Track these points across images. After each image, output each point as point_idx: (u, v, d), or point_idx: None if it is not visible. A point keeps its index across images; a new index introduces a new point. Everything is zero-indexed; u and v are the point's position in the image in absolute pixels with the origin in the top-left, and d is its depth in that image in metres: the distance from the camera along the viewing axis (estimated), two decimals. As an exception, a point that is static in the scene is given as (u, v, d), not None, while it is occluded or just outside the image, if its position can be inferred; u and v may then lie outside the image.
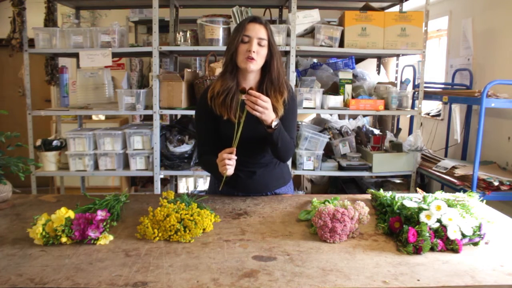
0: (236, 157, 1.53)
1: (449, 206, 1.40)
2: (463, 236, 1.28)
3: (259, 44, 1.58)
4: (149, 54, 3.04)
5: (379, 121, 4.33)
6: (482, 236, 1.30)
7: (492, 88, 2.57)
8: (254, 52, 1.56)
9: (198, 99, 1.74)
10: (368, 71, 3.70)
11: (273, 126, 1.54)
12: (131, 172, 3.12)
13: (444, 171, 2.92)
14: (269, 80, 1.64)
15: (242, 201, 1.71)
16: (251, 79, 1.67)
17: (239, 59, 1.60)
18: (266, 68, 1.65)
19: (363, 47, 2.99)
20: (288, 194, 1.84)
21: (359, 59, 4.18)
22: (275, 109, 1.59)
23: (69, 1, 3.41)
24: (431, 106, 4.10)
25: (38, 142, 3.09)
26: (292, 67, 2.95)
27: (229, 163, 1.50)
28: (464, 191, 1.63)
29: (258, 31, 1.58)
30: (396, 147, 3.11)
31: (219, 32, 2.92)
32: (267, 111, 1.51)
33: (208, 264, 1.14)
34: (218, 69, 2.89)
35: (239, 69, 1.64)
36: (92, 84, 3.33)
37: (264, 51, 1.60)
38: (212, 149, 1.65)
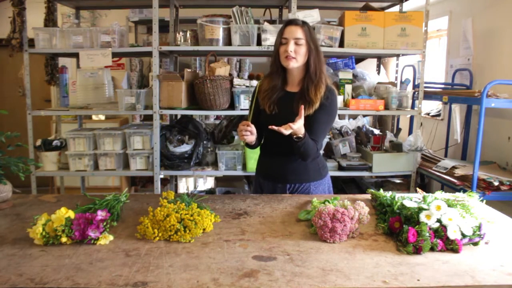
0: (251, 128, 1.69)
1: (449, 206, 1.40)
2: (463, 236, 1.28)
3: (297, 44, 1.72)
4: (149, 54, 3.04)
5: (379, 121, 4.32)
6: (482, 236, 1.30)
7: (492, 88, 2.57)
8: (291, 51, 1.71)
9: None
10: (368, 71, 3.70)
11: (295, 139, 1.66)
12: (131, 172, 3.12)
13: (444, 171, 2.92)
14: (308, 76, 1.77)
15: (242, 201, 1.71)
16: (295, 76, 1.81)
17: (281, 59, 1.76)
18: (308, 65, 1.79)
19: (363, 47, 2.99)
20: (320, 193, 1.85)
21: (359, 59, 4.18)
22: (311, 102, 1.73)
23: (69, 1, 3.41)
24: (431, 106, 4.10)
25: (38, 142, 3.09)
26: (292, 67, 2.95)
27: (245, 133, 1.69)
28: (464, 191, 1.63)
29: (294, 32, 1.72)
30: (396, 147, 3.11)
31: (219, 32, 2.92)
32: (300, 129, 1.63)
33: (208, 264, 1.14)
34: (218, 69, 2.89)
35: (285, 69, 1.80)
36: (92, 84, 3.32)
37: (303, 50, 1.73)
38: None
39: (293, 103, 1.74)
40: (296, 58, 1.73)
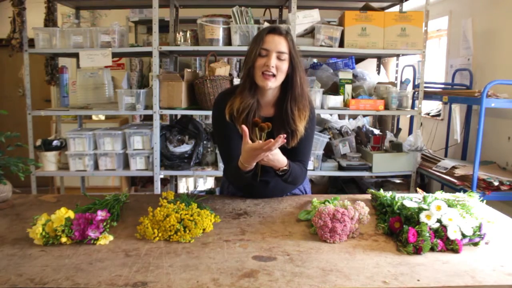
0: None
1: (449, 206, 1.40)
2: (463, 236, 1.28)
3: (279, 58, 1.46)
4: (149, 54, 3.04)
5: (379, 121, 4.33)
6: (482, 236, 1.30)
7: (492, 88, 2.57)
8: (272, 67, 1.44)
9: (215, 114, 1.61)
10: (368, 71, 3.70)
11: (280, 174, 1.51)
12: (131, 172, 3.12)
13: (444, 171, 2.92)
14: (292, 97, 1.51)
15: (242, 201, 1.71)
16: (270, 95, 1.55)
17: (256, 75, 1.47)
18: (287, 83, 1.52)
19: (363, 47, 2.99)
20: (304, 194, 1.82)
21: (359, 59, 4.18)
22: (296, 132, 1.53)
23: (69, 1, 3.41)
24: (431, 106, 4.10)
25: (38, 142, 3.09)
26: (292, 67, 2.95)
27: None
28: (464, 191, 1.63)
29: (277, 44, 1.46)
30: (396, 147, 3.11)
31: (219, 32, 2.92)
32: (275, 162, 1.46)
33: (208, 264, 1.14)
34: (218, 69, 2.89)
35: (258, 85, 1.51)
36: (92, 84, 3.32)
37: (284, 66, 1.47)
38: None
39: (273, 133, 1.45)
40: (276, 76, 1.45)
